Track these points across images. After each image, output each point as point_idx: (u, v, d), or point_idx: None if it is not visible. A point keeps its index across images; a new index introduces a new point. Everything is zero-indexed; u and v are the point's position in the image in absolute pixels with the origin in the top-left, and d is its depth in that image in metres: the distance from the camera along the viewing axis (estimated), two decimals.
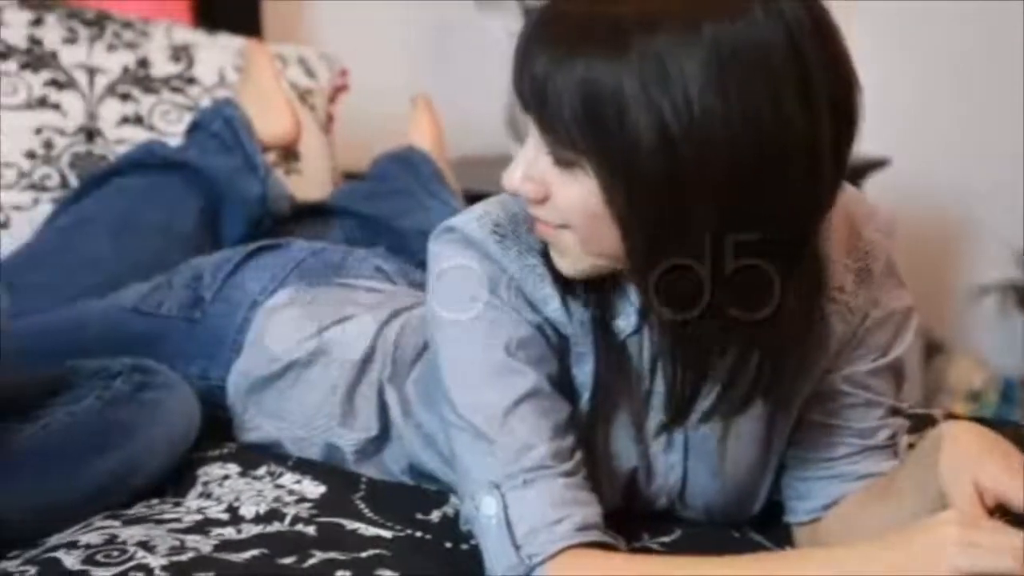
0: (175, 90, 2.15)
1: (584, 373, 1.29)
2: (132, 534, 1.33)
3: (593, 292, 1.27)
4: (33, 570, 1.28)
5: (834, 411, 1.34)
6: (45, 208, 2.03)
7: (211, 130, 1.97)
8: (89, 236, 1.88)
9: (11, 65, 2.04)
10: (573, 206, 1.17)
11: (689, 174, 1.11)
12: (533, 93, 1.15)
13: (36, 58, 2.06)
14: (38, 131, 2.04)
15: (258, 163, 1.95)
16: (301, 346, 1.60)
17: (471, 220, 1.28)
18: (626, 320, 1.28)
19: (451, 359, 1.26)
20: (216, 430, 1.61)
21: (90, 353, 1.63)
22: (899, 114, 2.81)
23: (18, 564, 1.30)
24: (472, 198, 2.18)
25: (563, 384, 1.28)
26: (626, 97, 1.10)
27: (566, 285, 1.26)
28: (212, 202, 1.94)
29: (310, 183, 2.24)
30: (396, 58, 2.76)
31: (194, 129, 2.01)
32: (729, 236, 1.13)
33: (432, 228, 1.31)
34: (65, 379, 1.53)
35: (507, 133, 2.75)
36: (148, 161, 1.94)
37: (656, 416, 1.31)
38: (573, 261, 1.22)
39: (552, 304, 1.27)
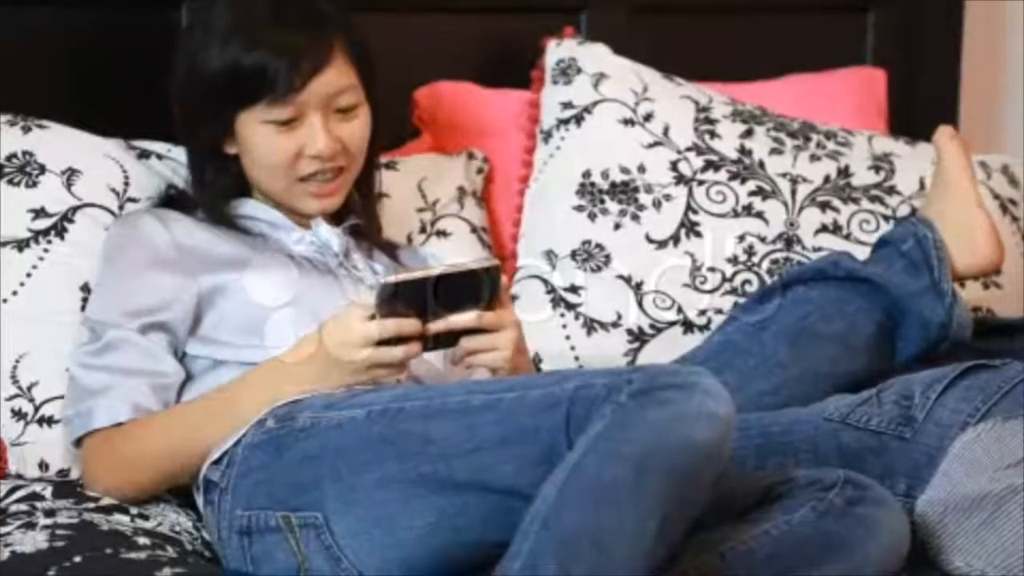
0: (874, 199, 2.15)
1: None
2: None
3: None
4: None
5: None
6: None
7: (901, 249, 1.94)
8: (766, 343, 1.91)
9: (721, 175, 2.12)
10: None
11: None
12: None
13: (744, 168, 2.13)
14: (741, 238, 2.11)
15: (945, 289, 1.90)
16: (997, 478, 1.54)
17: None
18: None
19: None
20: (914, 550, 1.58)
21: (799, 458, 1.67)
22: None
23: None
24: None
25: None
26: None
27: None
28: (891, 318, 1.92)
29: (1009, 297, 2.16)
30: None
31: (883, 245, 1.99)
32: None
33: None
34: (780, 486, 1.55)
35: None
36: (832, 273, 1.95)
37: None
38: None
39: None
